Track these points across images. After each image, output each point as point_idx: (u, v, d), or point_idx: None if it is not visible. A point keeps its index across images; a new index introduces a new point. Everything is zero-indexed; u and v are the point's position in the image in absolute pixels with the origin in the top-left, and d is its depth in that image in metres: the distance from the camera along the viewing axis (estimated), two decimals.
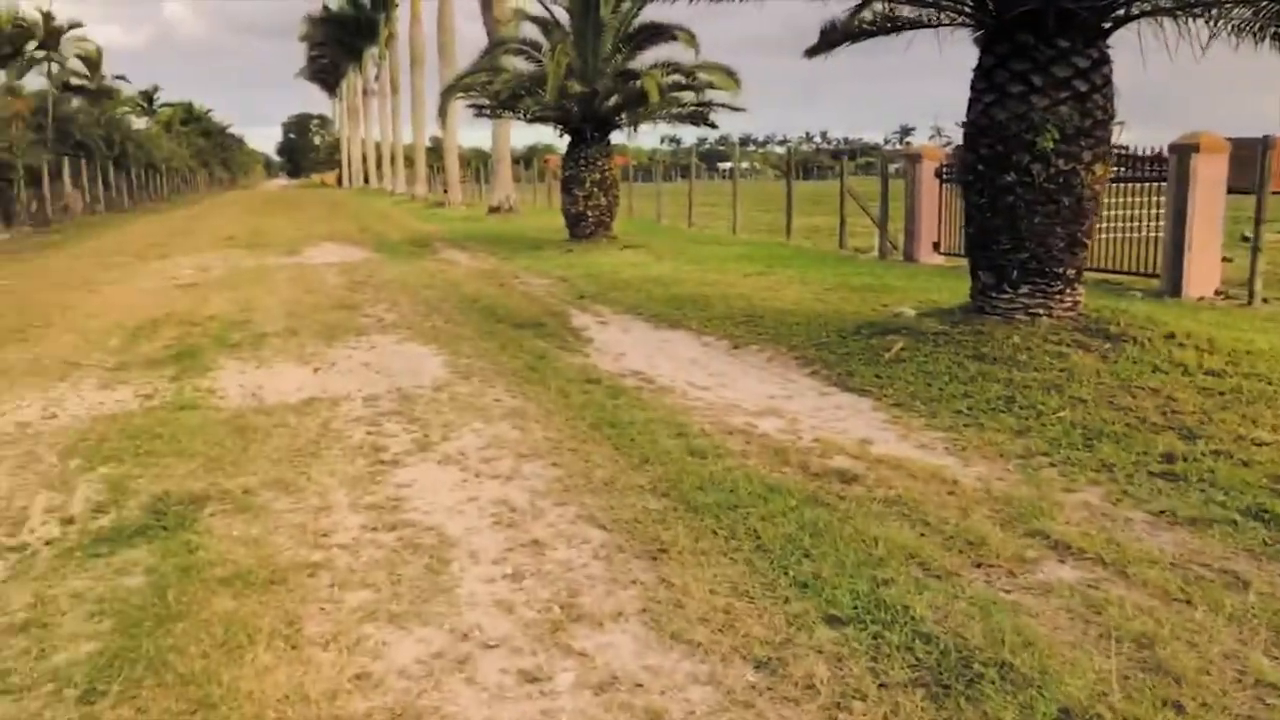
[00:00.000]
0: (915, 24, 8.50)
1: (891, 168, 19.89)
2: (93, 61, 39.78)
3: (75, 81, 40.47)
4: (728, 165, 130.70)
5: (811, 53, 9.59)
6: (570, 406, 6.33)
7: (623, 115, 17.94)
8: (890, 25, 8.63)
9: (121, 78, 46.94)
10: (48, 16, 33.12)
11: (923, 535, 4.08)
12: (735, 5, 9.36)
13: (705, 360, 7.98)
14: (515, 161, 68.51)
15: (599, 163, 17.94)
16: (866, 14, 8.63)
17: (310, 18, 67.58)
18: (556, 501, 4.60)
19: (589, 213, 18.12)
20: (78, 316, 10.59)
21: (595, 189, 17.98)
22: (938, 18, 8.33)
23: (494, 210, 29.23)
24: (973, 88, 7.81)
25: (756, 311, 9.92)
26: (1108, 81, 7.47)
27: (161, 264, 16.32)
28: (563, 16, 17.65)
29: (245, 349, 8.69)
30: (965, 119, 7.97)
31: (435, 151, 53.71)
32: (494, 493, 4.76)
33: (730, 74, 16.53)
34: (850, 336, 8.14)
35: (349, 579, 3.78)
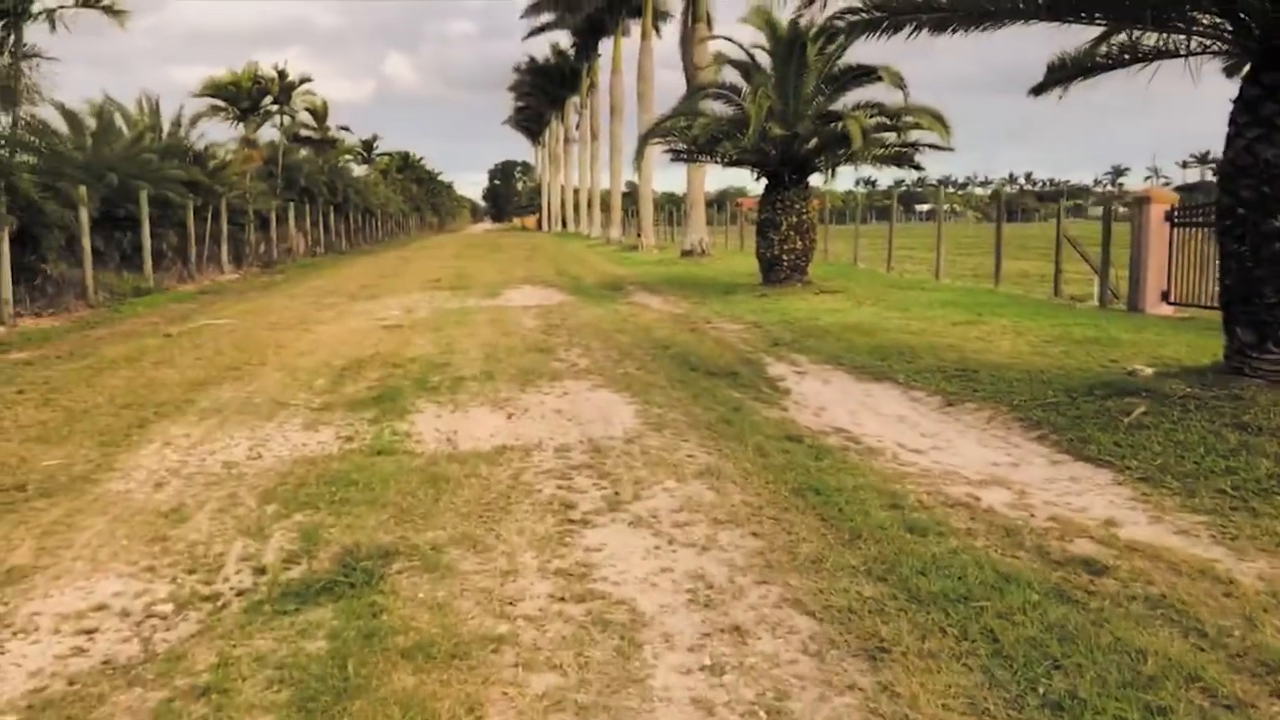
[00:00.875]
0: (1161, 54, 7.68)
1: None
2: (319, 113, 42.77)
3: (304, 132, 43.62)
4: (926, 207, 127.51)
5: (1038, 90, 8.88)
6: (770, 467, 5.90)
7: (822, 158, 17.45)
8: (1131, 57, 7.83)
9: (345, 128, 50.32)
10: (282, 74, 35.82)
11: (1201, 649, 3.40)
12: (930, 44, 8.77)
13: (915, 418, 7.37)
14: (708, 204, 69.15)
15: (796, 206, 17.50)
16: (1103, 46, 7.88)
17: (519, 68, 70.82)
18: (758, 579, 4.18)
19: (784, 257, 17.67)
20: (290, 355, 11.03)
21: (792, 232, 17.53)
22: (1188, 45, 7.49)
23: (687, 254, 29.23)
24: (1232, 122, 6.94)
25: (969, 364, 9.19)
26: None
27: (370, 304, 17.01)
28: (764, 60, 17.41)
29: (443, 392, 8.72)
30: (1222, 157, 7.09)
31: (629, 196, 54.69)
32: (689, 564, 4.39)
33: (938, 117, 15.78)
34: (1080, 397, 7.34)
35: (534, 658, 3.48)
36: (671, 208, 56.01)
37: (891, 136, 16.44)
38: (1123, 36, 7.61)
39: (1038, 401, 7.39)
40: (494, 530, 4.88)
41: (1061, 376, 8.25)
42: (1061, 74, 8.62)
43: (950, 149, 16.03)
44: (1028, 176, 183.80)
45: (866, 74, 16.43)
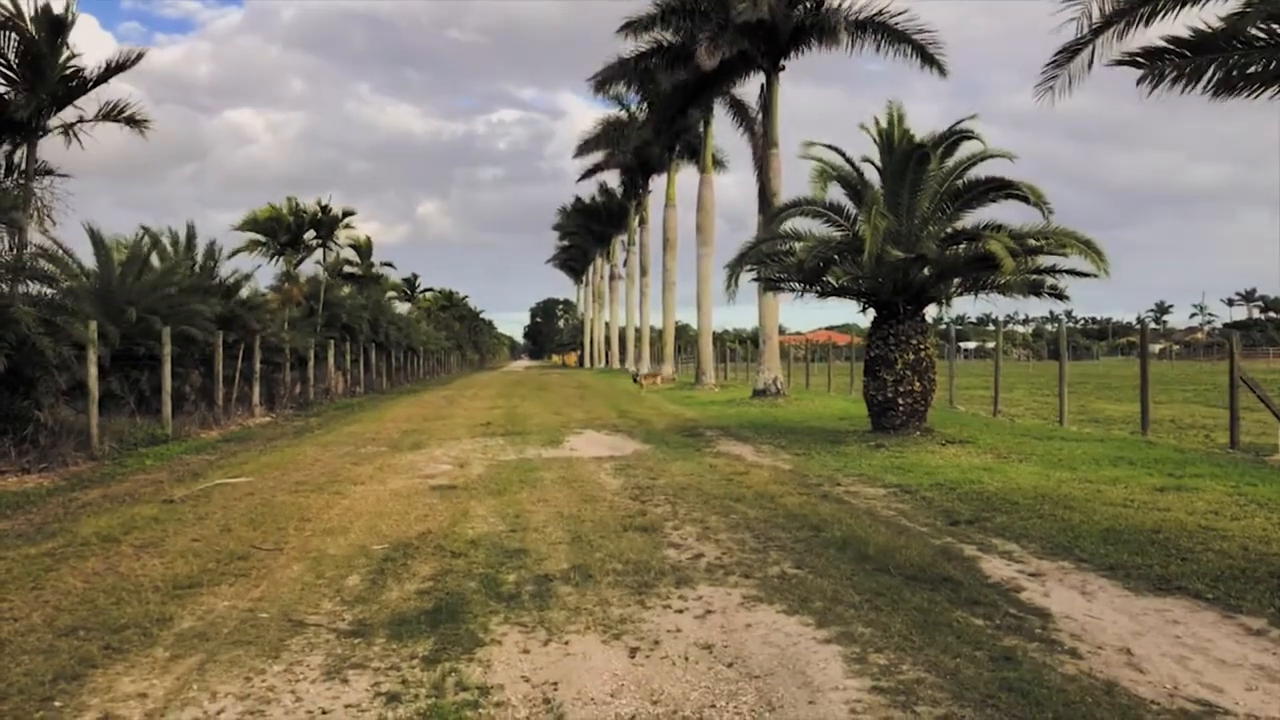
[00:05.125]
0: None
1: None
2: (363, 249, 41.47)
3: (347, 269, 42.26)
4: (972, 345, 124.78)
5: None
6: None
7: (941, 286, 15.00)
8: None
9: (389, 264, 49.07)
10: (325, 209, 34.50)
11: None
12: None
13: None
14: (741, 342, 67.12)
15: (914, 341, 14.95)
16: None
17: (564, 209, 70.49)
18: None
19: (900, 400, 15.03)
20: (315, 533, 8.43)
21: (909, 372, 14.93)
22: None
23: (759, 393, 26.65)
24: None
25: (1273, 563, 6.44)
26: None
27: (416, 456, 14.48)
28: (871, 176, 15.20)
29: (526, 604, 6.05)
30: None
31: (680, 332, 52.79)
32: None
33: (1089, 243, 13.33)
34: None
35: None
36: (722, 345, 53.90)
37: (1044, 260, 13.96)
38: None
39: None
40: None
41: None
42: None
43: (1103, 277, 13.49)
44: (1069, 314, 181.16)
45: (998, 188, 14.11)
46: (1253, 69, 6.91)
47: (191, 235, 22.90)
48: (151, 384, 17.69)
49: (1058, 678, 4.50)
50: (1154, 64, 7.49)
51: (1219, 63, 7.03)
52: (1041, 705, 4.14)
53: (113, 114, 13.98)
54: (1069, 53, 8.57)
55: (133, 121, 14.19)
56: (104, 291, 18.26)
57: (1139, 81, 7.73)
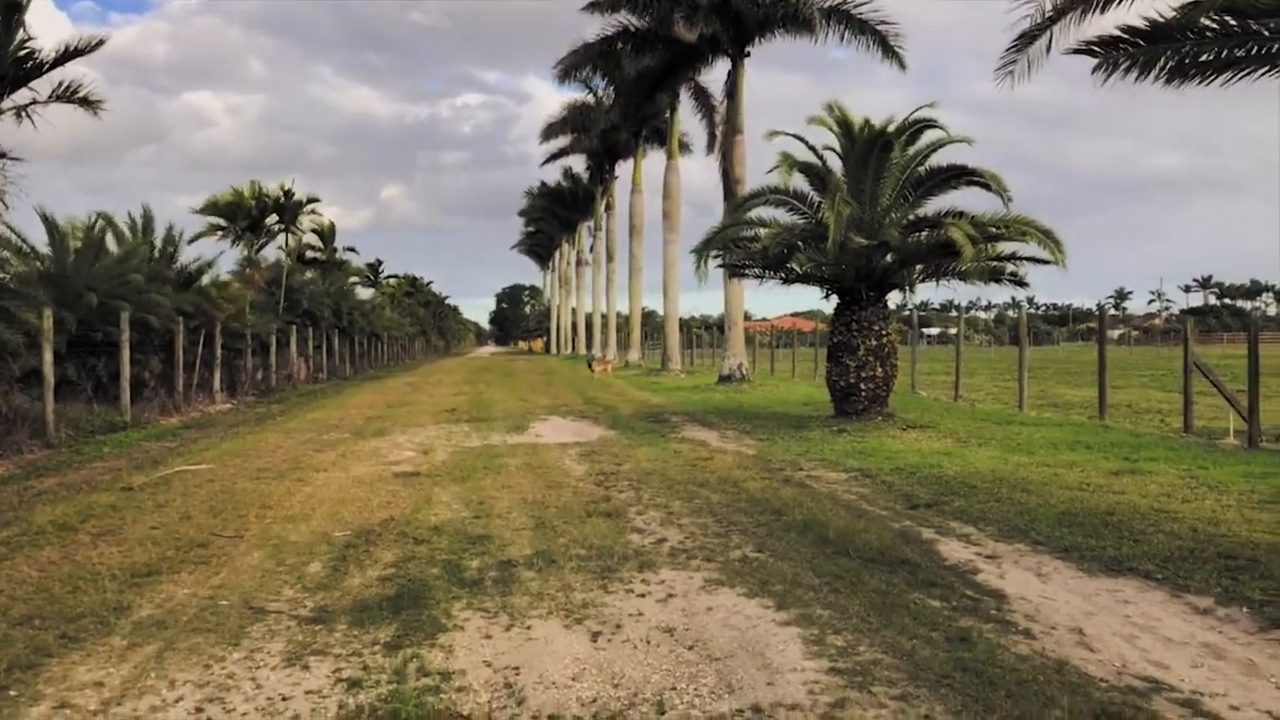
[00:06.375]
0: None
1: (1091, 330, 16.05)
2: (326, 234, 41.03)
3: (309, 254, 41.81)
4: (935, 331, 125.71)
5: None
6: None
7: (904, 272, 15.12)
8: None
9: (351, 249, 48.57)
10: (288, 193, 34.06)
11: None
12: None
13: (1236, 652, 4.70)
14: (708, 328, 67.25)
15: (876, 327, 15.07)
16: None
17: (530, 193, 70.09)
18: None
19: (863, 386, 15.15)
20: (277, 520, 8.37)
21: (871, 358, 15.06)
22: None
23: (725, 379, 26.74)
24: None
25: (1220, 544, 6.59)
26: None
27: (379, 442, 14.40)
28: (834, 163, 15.26)
29: (489, 589, 6.06)
30: None
31: (647, 318, 52.79)
32: None
33: (1048, 233, 13.48)
34: None
35: None
36: (689, 332, 53.99)
37: (1005, 247, 14.10)
38: None
39: None
40: None
41: None
42: None
43: (1060, 265, 13.65)
44: (1031, 301, 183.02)
45: (958, 175, 14.23)
46: (1205, 57, 7.06)
47: (149, 219, 22.53)
48: (109, 370, 17.44)
49: (1011, 657, 4.59)
50: (1109, 53, 7.61)
51: (1172, 52, 7.17)
52: (994, 684, 4.22)
53: (66, 95, 13.69)
54: (1027, 38, 8.67)
55: (86, 102, 13.90)
56: (59, 277, 17.94)
57: (1094, 70, 7.85)
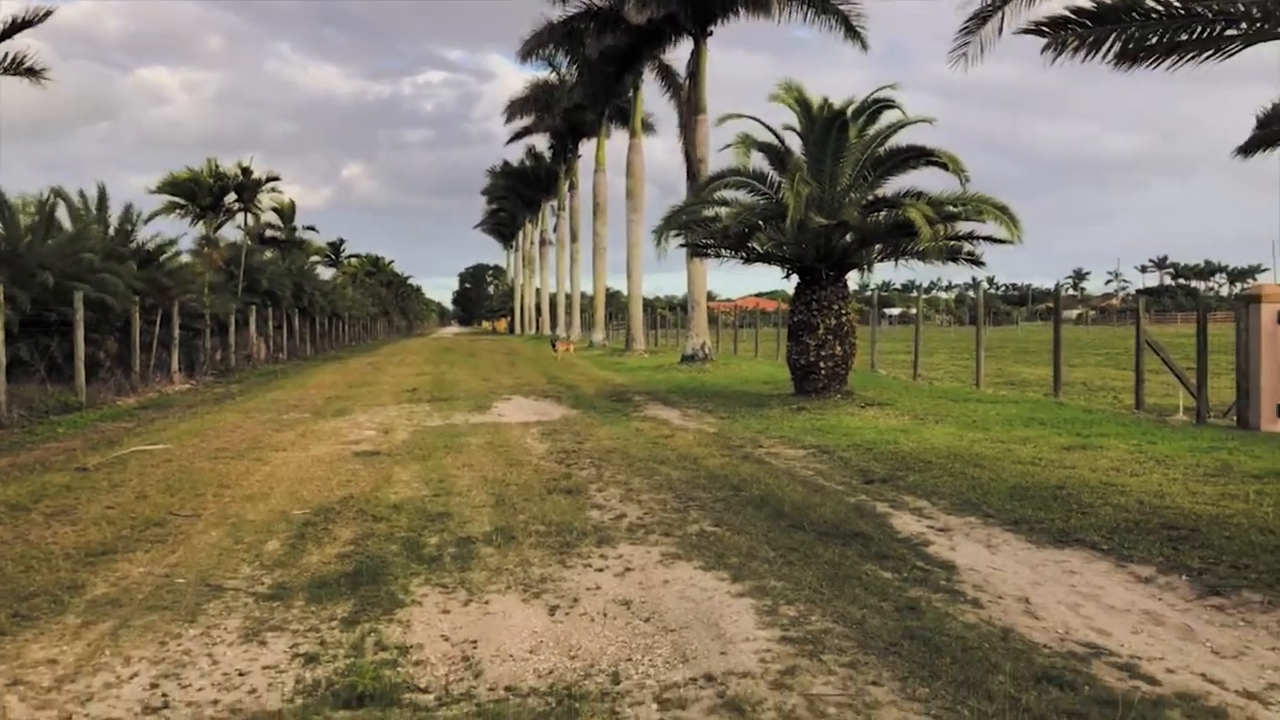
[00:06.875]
0: None
1: (1061, 310, 16.38)
2: (286, 213, 40.55)
3: (269, 233, 41.32)
4: (896, 311, 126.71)
5: (1248, 149, 6.70)
6: None
7: (863, 252, 15.26)
8: None
9: (311, 228, 48.04)
10: (246, 171, 33.60)
11: None
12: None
13: (1180, 619, 4.86)
14: (672, 308, 67.38)
15: (835, 307, 15.21)
16: None
17: (493, 172, 69.66)
18: None
19: (822, 364, 15.31)
20: (235, 499, 8.34)
21: (830, 337, 15.21)
22: None
23: (688, 359, 26.84)
24: None
25: (1165, 515, 6.78)
26: None
27: (339, 422, 14.34)
28: (794, 144, 15.34)
29: (448, 565, 6.09)
30: None
31: (611, 298, 52.75)
32: None
33: (1004, 209, 13.67)
34: None
35: None
36: (653, 312, 54.06)
37: (962, 226, 14.27)
38: None
39: None
40: None
41: None
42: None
43: (1016, 242, 13.86)
44: (991, 281, 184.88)
45: (917, 156, 14.36)
46: (1151, 40, 7.20)
47: (103, 196, 22.14)
48: (64, 350, 17.19)
49: (958, 626, 4.71)
50: (1058, 33, 7.73)
51: (1118, 34, 7.30)
52: (941, 651, 4.33)
53: (11, 67, 13.40)
54: (978, 19, 8.77)
55: (32, 72, 13.61)
56: (10, 254, 17.63)
57: (1043, 50, 7.96)
